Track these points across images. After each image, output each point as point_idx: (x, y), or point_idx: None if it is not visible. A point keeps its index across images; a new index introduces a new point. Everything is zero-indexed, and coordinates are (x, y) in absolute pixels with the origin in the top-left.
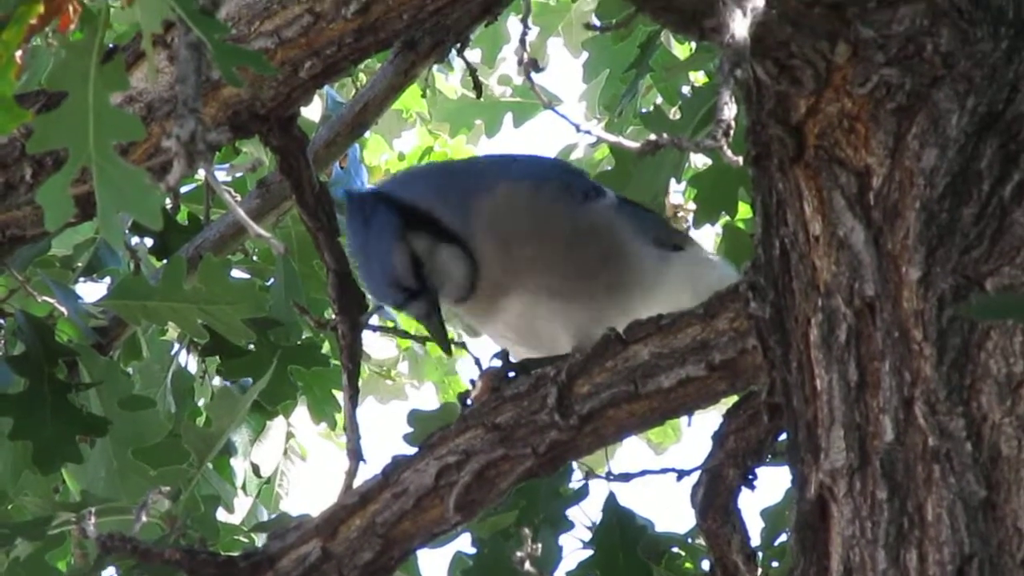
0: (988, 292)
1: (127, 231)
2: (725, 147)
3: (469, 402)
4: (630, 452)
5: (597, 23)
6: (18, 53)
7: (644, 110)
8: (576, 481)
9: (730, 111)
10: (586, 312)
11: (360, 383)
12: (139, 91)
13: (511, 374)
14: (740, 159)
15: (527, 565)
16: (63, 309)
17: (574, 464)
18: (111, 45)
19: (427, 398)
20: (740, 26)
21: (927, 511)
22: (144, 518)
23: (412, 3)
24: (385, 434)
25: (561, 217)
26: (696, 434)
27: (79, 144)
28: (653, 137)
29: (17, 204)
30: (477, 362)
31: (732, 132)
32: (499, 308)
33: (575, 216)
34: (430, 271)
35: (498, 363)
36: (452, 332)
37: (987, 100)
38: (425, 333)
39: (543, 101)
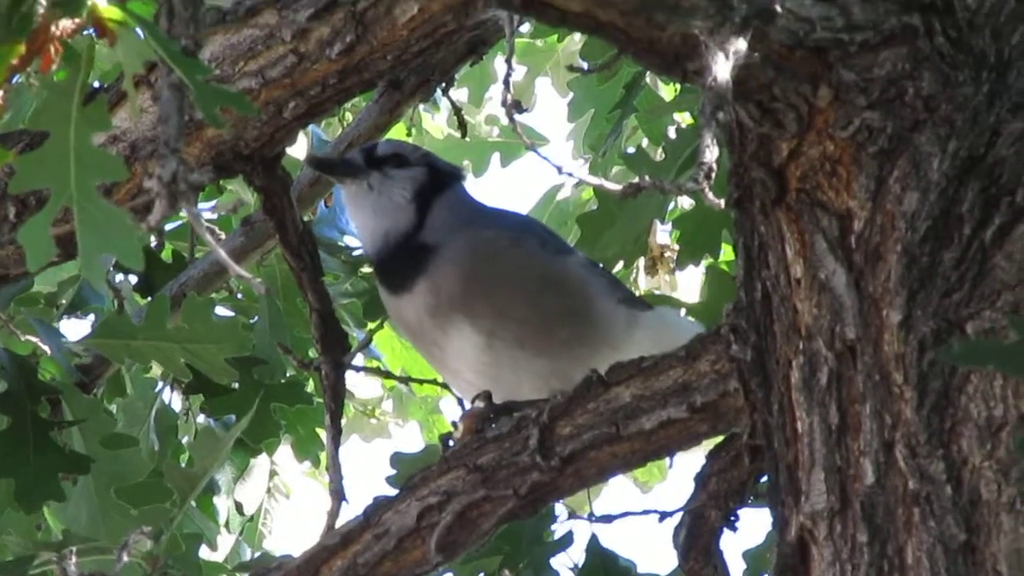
0: (969, 336)
1: (111, 268)
2: (707, 190)
3: (451, 443)
4: (616, 491)
5: (584, 64)
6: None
7: (629, 150)
8: (560, 525)
9: (712, 154)
10: (549, 365)
11: (344, 422)
12: (123, 131)
13: (493, 415)
14: (722, 202)
15: None
16: (46, 347)
17: (558, 507)
18: (95, 85)
19: (411, 437)
20: (722, 69)
21: (907, 554)
22: (125, 558)
23: (396, 44)
24: (370, 472)
25: (533, 268)
26: (683, 473)
27: (61, 184)
28: (636, 179)
29: (0, 243)
30: (460, 403)
31: (714, 174)
32: (450, 340)
33: (546, 268)
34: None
35: (481, 404)
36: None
37: (968, 144)
38: (408, 374)
39: (526, 142)
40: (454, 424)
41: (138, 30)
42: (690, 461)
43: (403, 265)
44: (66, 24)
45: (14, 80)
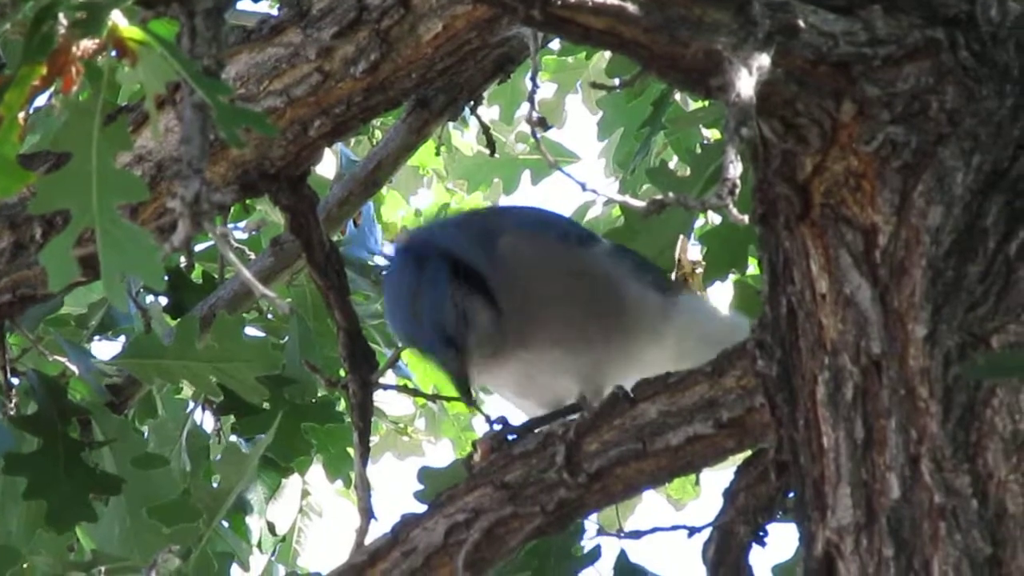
0: (994, 349)
1: (141, 290)
2: (731, 206)
3: (472, 468)
4: (649, 509)
5: (610, 82)
6: (21, 115)
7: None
8: (589, 539)
9: (736, 169)
10: (588, 359)
11: (377, 439)
12: (148, 151)
13: (511, 437)
14: (746, 217)
15: None
16: (75, 368)
17: (587, 523)
18: (123, 104)
19: (444, 454)
20: (746, 85)
21: (933, 568)
22: None
23: (421, 62)
24: (403, 490)
25: (564, 263)
26: (716, 490)
27: (82, 205)
28: (659, 196)
29: (27, 264)
30: (488, 420)
31: (738, 190)
32: (509, 363)
33: (574, 262)
34: (472, 329)
35: (498, 427)
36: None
37: (992, 158)
38: (439, 392)
39: (549, 160)
40: (474, 445)
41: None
42: (721, 477)
43: None
44: (87, 44)
45: (46, 103)
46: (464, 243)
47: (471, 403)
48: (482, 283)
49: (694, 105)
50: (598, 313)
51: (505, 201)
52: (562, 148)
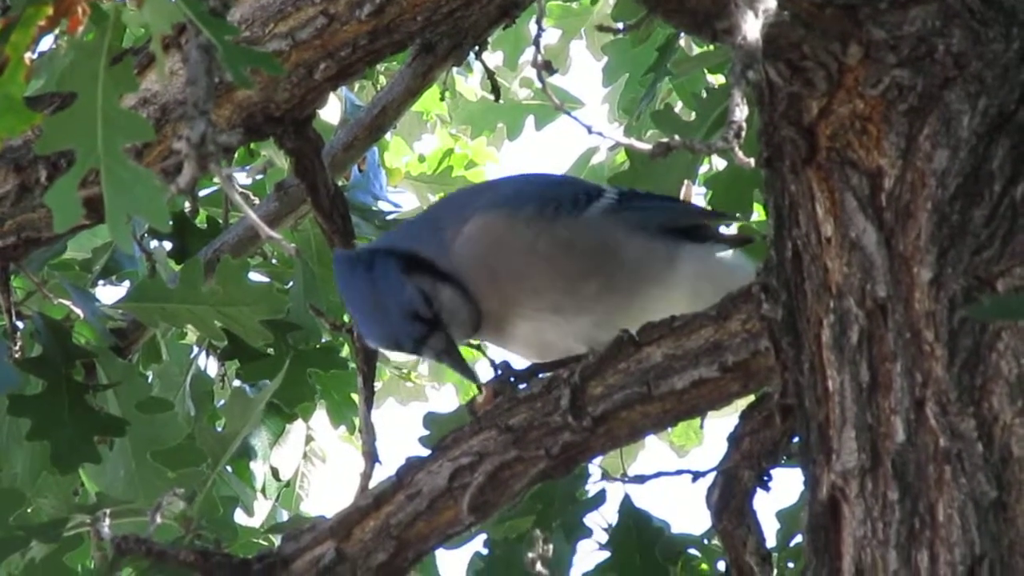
0: (999, 293)
1: (146, 234)
2: (736, 149)
3: (476, 413)
4: (652, 455)
5: (616, 25)
6: (27, 55)
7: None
8: (593, 484)
9: (742, 113)
10: (590, 321)
11: (380, 385)
12: (153, 93)
13: (514, 380)
14: (752, 161)
15: (538, 566)
16: (79, 311)
17: (592, 468)
18: (127, 47)
19: (447, 400)
20: (752, 27)
21: (938, 512)
22: (159, 519)
23: (426, 5)
24: (406, 435)
25: (541, 237)
26: (718, 437)
27: (88, 145)
28: (666, 139)
29: (32, 206)
30: (493, 364)
31: (744, 134)
32: (509, 333)
33: (550, 235)
34: (439, 308)
35: (502, 373)
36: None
37: (999, 101)
38: None
39: (555, 103)
40: (479, 388)
41: None
42: (723, 425)
43: None
44: None
45: (49, 47)
46: (406, 236)
47: (472, 378)
48: (431, 267)
49: (699, 50)
50: (589, 276)
51: (509, 146)
52: (566, 94)
